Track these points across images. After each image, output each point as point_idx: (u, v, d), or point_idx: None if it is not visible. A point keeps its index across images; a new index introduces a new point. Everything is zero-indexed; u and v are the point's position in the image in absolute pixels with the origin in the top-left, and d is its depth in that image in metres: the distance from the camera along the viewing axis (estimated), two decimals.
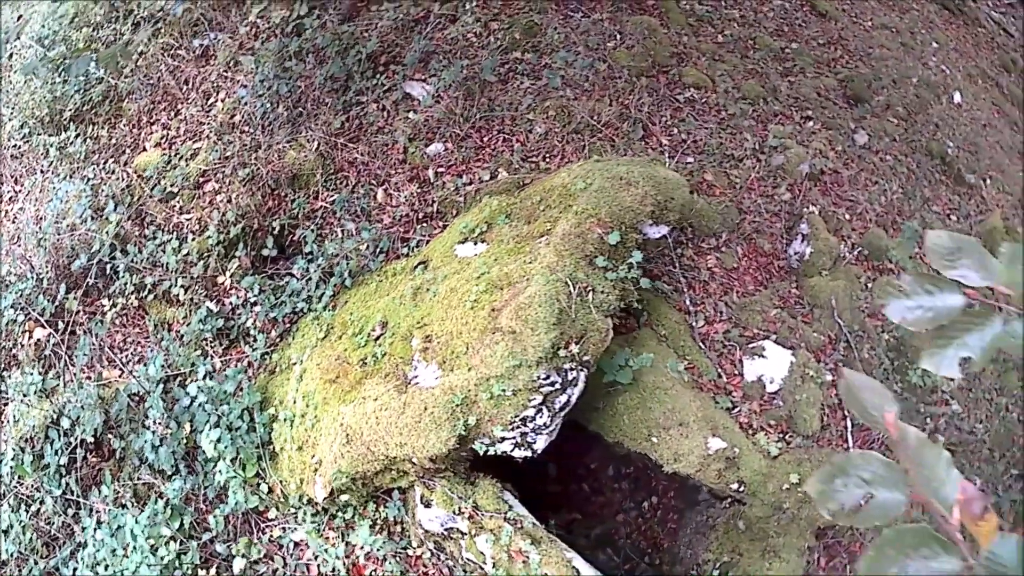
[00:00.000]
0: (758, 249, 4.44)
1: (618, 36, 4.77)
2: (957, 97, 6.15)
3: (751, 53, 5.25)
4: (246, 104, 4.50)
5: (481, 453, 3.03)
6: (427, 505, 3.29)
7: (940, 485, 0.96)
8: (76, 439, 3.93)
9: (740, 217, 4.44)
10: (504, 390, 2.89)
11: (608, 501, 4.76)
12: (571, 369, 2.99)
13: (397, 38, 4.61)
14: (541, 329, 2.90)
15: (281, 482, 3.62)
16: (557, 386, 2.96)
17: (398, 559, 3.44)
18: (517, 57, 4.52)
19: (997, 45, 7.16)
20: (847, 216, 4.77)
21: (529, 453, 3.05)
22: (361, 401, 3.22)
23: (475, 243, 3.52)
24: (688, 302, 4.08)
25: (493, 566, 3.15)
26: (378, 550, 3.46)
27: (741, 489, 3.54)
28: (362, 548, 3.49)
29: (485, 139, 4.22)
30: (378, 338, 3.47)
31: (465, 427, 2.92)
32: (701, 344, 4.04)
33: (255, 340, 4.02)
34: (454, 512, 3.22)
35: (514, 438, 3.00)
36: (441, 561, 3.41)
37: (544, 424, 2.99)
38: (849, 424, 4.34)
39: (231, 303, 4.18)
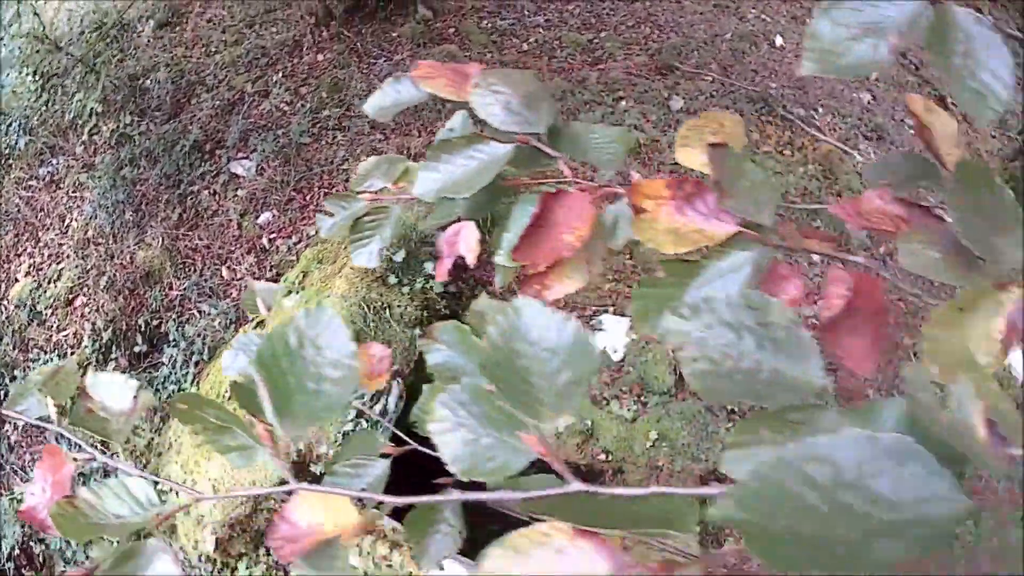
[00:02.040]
0: None
1: None
2: (779, 40, 6.84)
3: (558, 52, 5.96)
4: (95, 218, 5.20)
5: (319, 473, 3.66)
6: None
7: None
8: (4, 554, 4.60)
9: None
10: None
11: None
12: None
13: (217, 124, 5.32)
14: None
15: (181, 547, 4.25)
16: (367, 397, 3.60)
17: None
18: (327, 115, 5.23)
19: None
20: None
21: None
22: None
23: (296, 293, 4.19)
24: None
25: (365, 574, 3.77)
26: None
27: (609, 459, 4.15)
28: None
29: (307, 198, 4.91)
30: (230, 397, 4.12)
31: (297, 453, 3.56)
32: None
33: (141, 429, 4.67)
34: None
35: None
36: None
37: None
38: None
39: None
